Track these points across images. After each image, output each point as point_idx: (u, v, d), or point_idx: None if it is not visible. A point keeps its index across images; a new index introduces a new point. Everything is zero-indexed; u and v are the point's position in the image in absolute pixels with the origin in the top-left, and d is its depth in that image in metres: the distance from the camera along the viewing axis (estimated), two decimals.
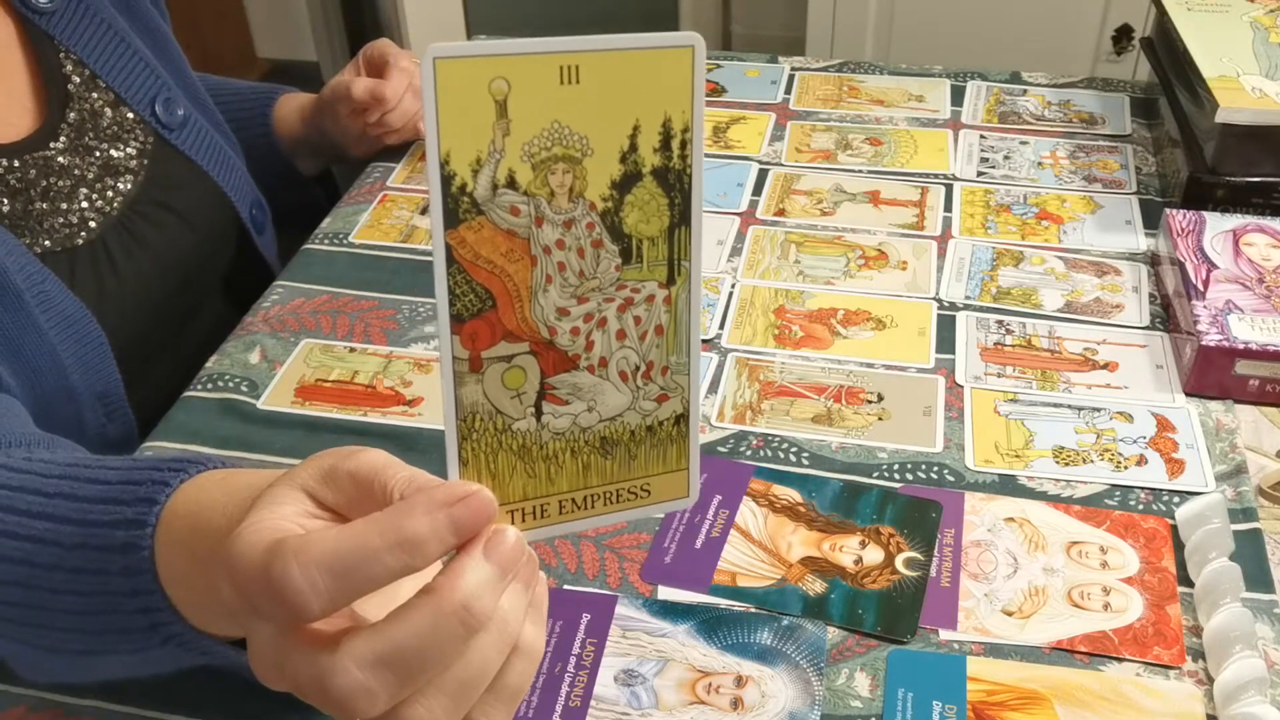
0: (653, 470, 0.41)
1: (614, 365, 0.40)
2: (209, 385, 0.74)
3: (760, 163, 0.96)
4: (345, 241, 0.89)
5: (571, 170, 0.37)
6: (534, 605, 0.39)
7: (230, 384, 0.74)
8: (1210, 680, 0.54)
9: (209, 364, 0.76)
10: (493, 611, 0.36)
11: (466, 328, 0.37)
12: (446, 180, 0.35)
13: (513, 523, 0.39)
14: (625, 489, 0.41)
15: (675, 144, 0.37)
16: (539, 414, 0.39)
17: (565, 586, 0.60)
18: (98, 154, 0.75)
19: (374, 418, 0.71)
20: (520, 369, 0.38)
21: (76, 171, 0.73)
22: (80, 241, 0.72)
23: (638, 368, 0.40)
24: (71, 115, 0.74)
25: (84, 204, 0.73)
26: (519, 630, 0.38)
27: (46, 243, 0.71)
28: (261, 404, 0.73)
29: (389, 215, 0.92)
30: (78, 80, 0.75)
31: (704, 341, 0.76)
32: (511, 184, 0.36)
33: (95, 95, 0.75)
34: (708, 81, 1.09)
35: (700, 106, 0.37)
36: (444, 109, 0.34)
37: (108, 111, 0.76)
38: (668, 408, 0.41)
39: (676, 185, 0.38)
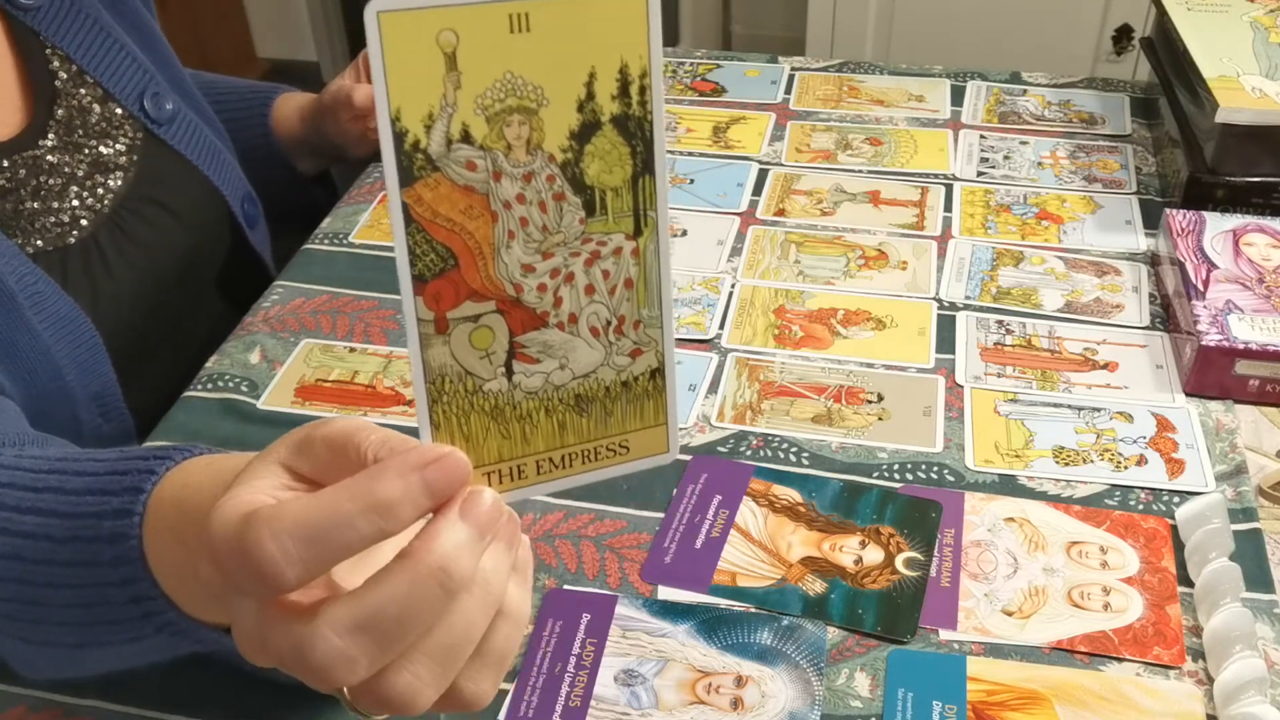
0: (630, 426, 0.41)
1: (584, 321, 0.39)
2: (209, 385, 0.74)
3: (760, 163, 0.96)
4: (345, 241, 0.89)
5: (527, 121, 0.36)
6: (518, 568, 0.38)
7: (230, 384, 0.74)
8: (1210, 680, 0.54)
9: (209, 364, 0.76)
10: (472, 573, 0.36)
11: (429, 288, 0.36)
12: (399, 137, 0.34)
13: (490, 484, 0.39)
14: (603, 446, 0.40)
15: (634, 90, 0.36)
16: (510, 374, 0.38)
17: (565, 586, 0.60)
18: (87, 151, 0.74)
19: (374, 418, 0.71)
20: (488, 328, 0.38)
21: (67, 169, 0.73)
22: (72, 240, 0.72)
23: (609, 322, 0.39)
24: (59, 112, 0.73)
25: (75, 202, 0.73)
26: (502, 592, 0.37)
27: (38, 242, 0.70)
28: (261, 404, 0.73)
29: (389, 215, 0.92)
30: (65, 76, 0.74)
31: (704, 341, 0.76)
32: (466, 138, 0.35)
33: (83, 91, 0.75)
34: (707, 81, 1.09)
35: (658, 51, 0.36)
36: (391, 64, 0.33)
37: (96, 108, 0.76)
38: (642, 362, 0.40)
39: (638, 133, 0.37)
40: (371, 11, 0.33)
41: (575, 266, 0.38)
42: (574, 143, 0.36)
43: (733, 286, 0.82)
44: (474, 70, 0.34)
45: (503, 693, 0.55)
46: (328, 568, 0.35)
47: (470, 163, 0.36)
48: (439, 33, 0.34)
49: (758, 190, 0.93)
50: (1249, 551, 0.60)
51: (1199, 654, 0.55)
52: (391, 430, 0.37)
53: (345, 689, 0.36)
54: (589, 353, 0.39)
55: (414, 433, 0.69)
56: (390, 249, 0.88)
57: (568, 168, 0.37)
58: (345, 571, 0.37)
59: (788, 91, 1.07)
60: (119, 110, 0.77)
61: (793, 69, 1.11)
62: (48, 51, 0.74)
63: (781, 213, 0.90)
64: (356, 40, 2.78)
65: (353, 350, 0.77)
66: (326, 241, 0.89)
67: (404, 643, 0.35)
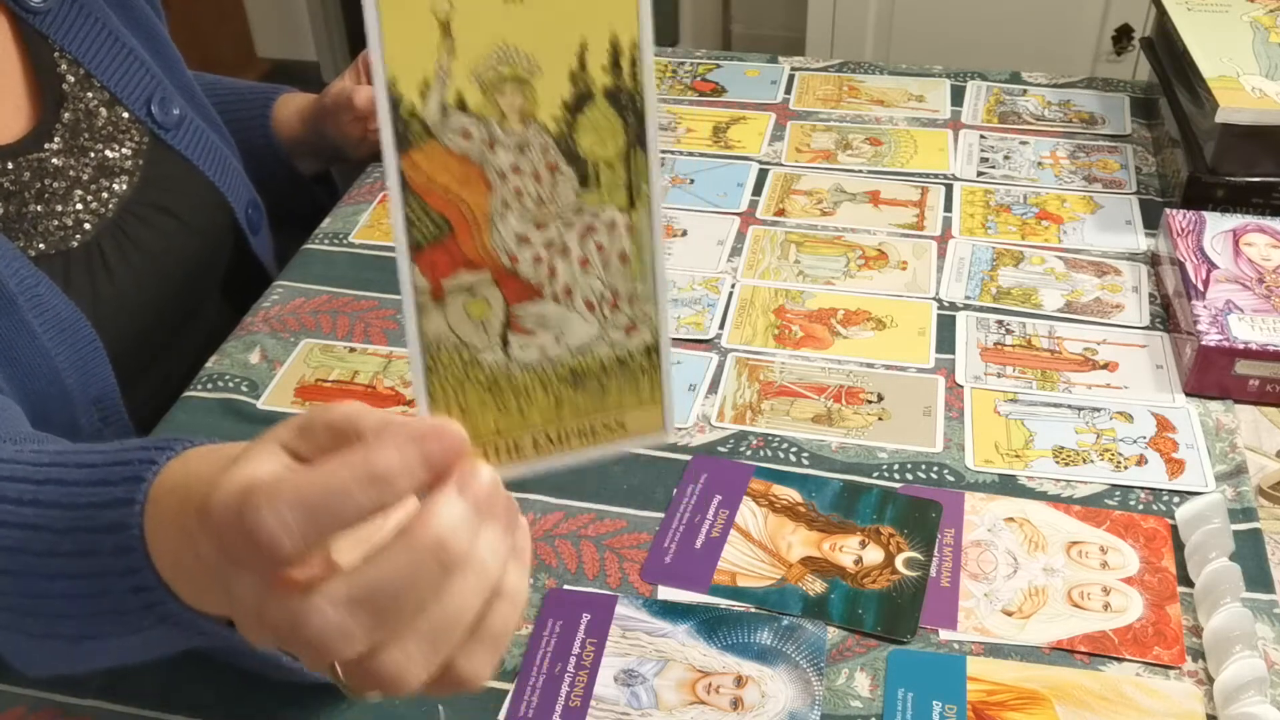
0: (627, 403, 0.40)
1: (579, 294, 0.39)
2: (209, 385, 0.74)
3: (760, 163, 0.96)
4: (345, 241, 0.89)
5: (520, 91, 0.36)
6: (516, 549, 0.38)
7: (230, 384, 0.74)
8: (1210, 680, 0.54)
9: (209, 364, 0.76)
10: (469, 550, 0.36)
11: (425, 256, 0.37)
12: (395, 103, 0.35)
13: (486, 459, 0.39)
14: (599, 423, 0.40)
15: (625, 62, 0.37)
16: (506, 345, 0.38)
17: (565, 586, 0.60)
18: (93, 155, 0.74)
19: None
20: (483, 299, 0.38)
21: (71, 173, 0.73)
22: (75, 244, 0.72)
23: (603, 296, 0.39)
24: (66, 115, 0.73)
25: (79, 206, 0.73)
26: (499, 573, 0.37)
27: (41, 245, 0.70)
28: (261, 404, 0.73)
29: (389, 215, 0.92)
30: (72, 80, 0.74)
31: (704, 341, 0.76)
32: (461, 106, 0.36)
33: (90, 95, 0.75)
34: (707, 81, 1.09)
35: (648, 25, 0.37)
36: (388, 31, 0.34)
37: (103, 111, 0.76)
38: (637, 338, 0.40)
39: (629, 106, 0.37)
40: None
41: (570, 239, 0.38)
42: (567, 114, 0.37)
43: (733, 286, 0.82)
44: (468, 39, 0.35)
45: (503, 693, 0.55)
46: (325, 538, 0.35)
47: (465, 130, 0.36)
48: (434, 1, 0.34)
49: (758, 190, 0.93)
50: (1249, 551, 0.60)
51: (1199, 654, 0.55)
52: (392, 413, 0.37)
53: (339, 667, 0.37)
54: (584, 327, 0.39)
55: None
56: (390, 249, 0.88)
57: (562, 140, 0.37)
58: (345, 552, 0.37)
59: (788, 91, 1.07)
60: (126, 114, 0.77)
61: (793, 69, 1.11)
62: (56, 55, 0.74)
63: (781, 213, 0.90)
64: (356, 40, 2.78)
65: (353, 350, 0.77)
66: (326, 241, 0.89)
67: (400, 618, 0.35)
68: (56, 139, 0.72)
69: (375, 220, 0.91)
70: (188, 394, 0.74)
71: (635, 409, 0.41)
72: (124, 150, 0.76)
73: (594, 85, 0.37)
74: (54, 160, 0.72)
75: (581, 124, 0.37)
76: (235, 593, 0.37)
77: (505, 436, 0.39)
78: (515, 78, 0.36)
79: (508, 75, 0.36)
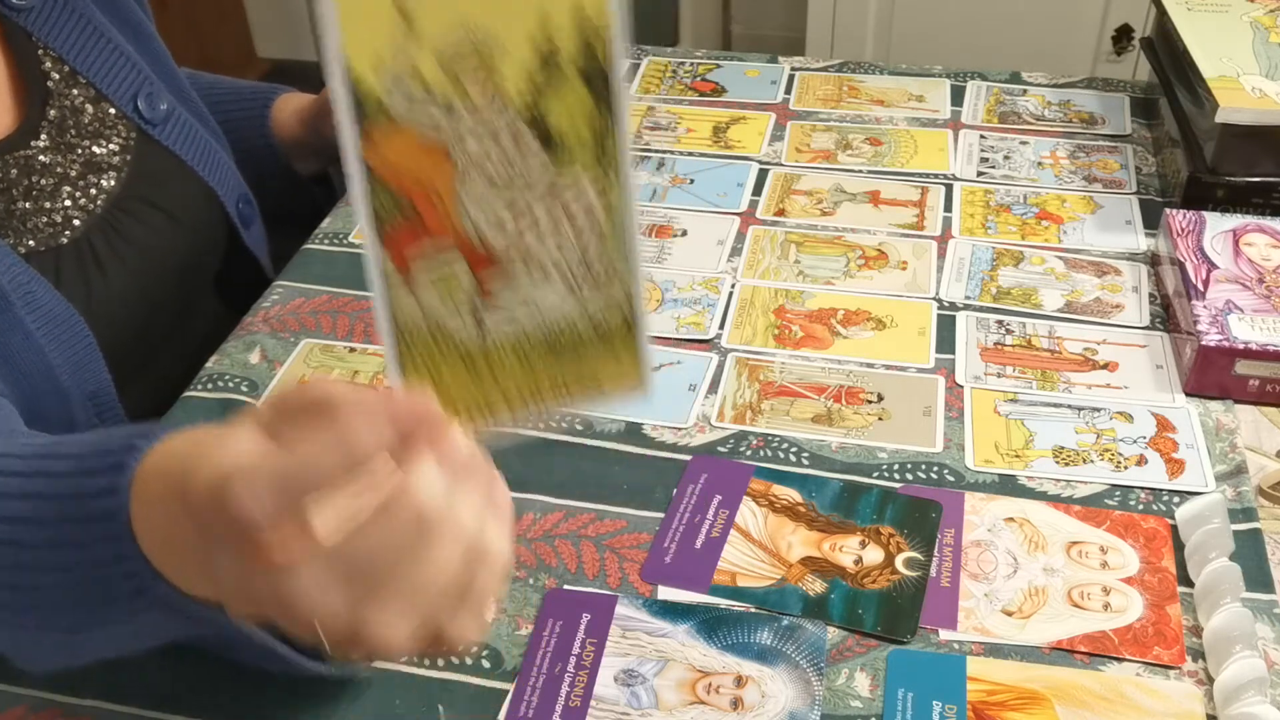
0: (603, 366, 0.40)
1: (551, 264, 0.39)
2: (209, 385, 0.74)
3: (760, 163, 0.96)
4: (345, 241, 0.89)
5: (484, 66, 0.35)
6: (494, 506, 0.39)
7: (230, 384, 0.74)
8: (1210, 680, 0.54)
9: (209, 364, 0.76)
10: (446, 514, 0.36)
11: (390, 236, 0.37)
12: (354, 89, 0.34)
13: (462, 425, 0.39)
14: (574, 380, 0.40)
15: (591, 33, 0.36)
16: (476, 317, 0.38)
17: (565, 586, 0.60)
18: (80, 151, 0.74)
19: None
20: (452, 274, 0.38)
21: (59, 170, 0.73)
22: (64, 241, 0.72)
23: (574, 262, 0.39)
24: (52, 112, 0.73)
25: (67, 202, 0.72)
26: (477, 533, 0.37)
27: (31, 243, 0.70)
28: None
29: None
30: (57, 77, 0.74)
31: (704, 341, 0.76)
32: (423, 87, 0.35)
33: (75, 91, 0.75)
34: (707, 81, 1.09)
35: None
36: (345, 12, 0.33)
37: (89, 108, 0.76)
38: (610, 299, 0.40)
39: (598, 77, 0.37)
40: None
41: (538, 209, 0.38)
42: (532, 86, 0.36)
43: (733, 286, 0.82)
44: (427, 17, 0.34)
45: (503, 693, 0.55)
46: (296, 503, 0.35)
47: (426, 110, 0.35)
48: None
49: (758, 190, 0.93)
50: (1249, 551, 0.60)
51: (1199, 654, 0.55)
52: (367, 386, 0.38)
53: (326, 635, 0.37)
54: (555, 292, 0.39)
55: None
56: None
57: (528, 112, 0.36)
58: (330, 527, 0.38)
59: (788, 91, 1.07)
60: (112, 110, 0.77)
61: (793, 69, 1.11)
62: (40, 52, 0.74)
63: (781, 213, 0.90)
64: None
65: (353, 350, 0.77)
66: (326, 241, 0.89)
67: (381, 582, 0.36)
68: (43, 136, 0.72)
69: None
70: (188, 394, 0.74)
71: (612, 367, 0.40)
72: (111, 146, 0.76)
73: (559, 55, 0.36)
74: (41, 157, 0.72)
75: (547, 95, 0.36)
76: (219, 572, 0.37)
77: (480, 403, 0.39)
78: (477, 54, 0.35)
79: (469, 52, 0.35)
